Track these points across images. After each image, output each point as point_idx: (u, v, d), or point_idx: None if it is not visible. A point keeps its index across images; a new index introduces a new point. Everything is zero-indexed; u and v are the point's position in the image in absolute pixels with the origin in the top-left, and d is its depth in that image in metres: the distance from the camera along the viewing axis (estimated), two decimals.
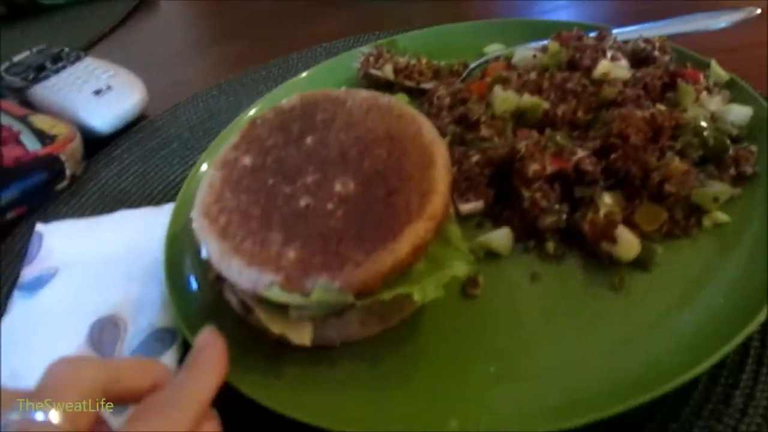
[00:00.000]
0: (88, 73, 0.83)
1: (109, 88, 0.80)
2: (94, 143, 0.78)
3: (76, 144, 0.73)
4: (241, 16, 1.08)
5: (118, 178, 0.73)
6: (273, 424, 0.43)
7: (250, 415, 0.44)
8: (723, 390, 0.42)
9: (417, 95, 0.69)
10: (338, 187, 0.47)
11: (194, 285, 0.54)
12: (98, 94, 0.79)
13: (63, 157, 0.71)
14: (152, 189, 0.71)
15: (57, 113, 0.77)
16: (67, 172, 0.71)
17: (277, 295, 0.43)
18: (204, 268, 0.51)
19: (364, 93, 0.54)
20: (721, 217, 0.49)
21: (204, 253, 0.48)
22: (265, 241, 0.45)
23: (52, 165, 0.70)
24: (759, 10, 0.62)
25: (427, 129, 0.50)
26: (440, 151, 0.48)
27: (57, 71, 0.83)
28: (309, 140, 0.51)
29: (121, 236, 0.61)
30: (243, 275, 0.45)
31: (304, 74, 0.75)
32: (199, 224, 0.48)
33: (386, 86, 0.70)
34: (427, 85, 0.69)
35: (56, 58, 0.86)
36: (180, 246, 0.56)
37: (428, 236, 0.44)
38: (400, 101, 0.54)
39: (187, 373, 0.38)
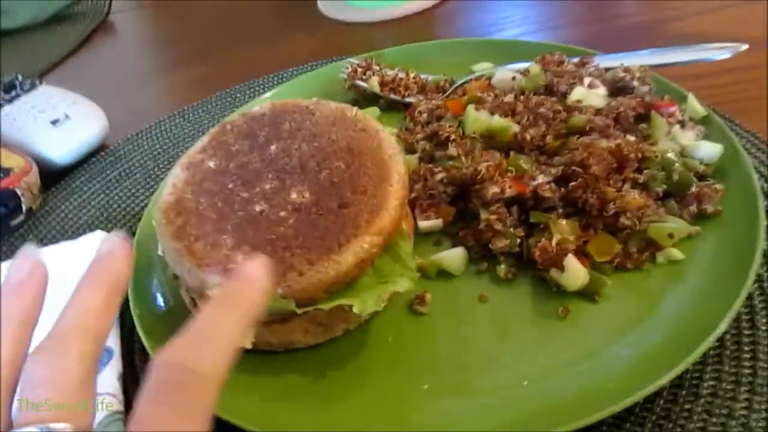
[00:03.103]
0: (44, 101, 0.78)
1: (67, 117, 0.76)
2: (53, 175, 0.75)
3: (33, 177, 0.70)
4: (204, 40, 1.06)
5: (79, 211, 0.70)
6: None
7: None
8: (656, 419, 0.42)
9: (403, 109, 0.70)
10: (294, 195, 0.48)
11: (157, 296, 0.55)
12: (55, 123, 0.76)
13: (19, 191, 0.67)
14: (116, 221, 0.68)
15: (12, 145, 0.73)
16: (24, 207, 0.68)
17: None
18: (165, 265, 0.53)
19: (333, 105, 0.55)
20: (676, 253, 0.49)
21: (160, 252, 0.49)
22: (216, 243, 0.46)
23: (7, 199, 0.67)
24: (745, 46, 0.62)
25: (388, 144, 0.50)
26: (397, 167, 0.49)
27: (11, 100, 0.78)
28: (273, 148, 0.52)
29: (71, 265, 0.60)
30: (192, 275, 0.46)
31: (290, 83, 0.76)
32: (157, 223, 0.49)
33: (373, 98, 0.71)
34: (412, 99, 0.69)
35: (10, 87, 0.80)
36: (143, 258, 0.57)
37: (374, 250, 0.45)
38: (367, 115, 0.54)
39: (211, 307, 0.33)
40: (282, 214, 0.47)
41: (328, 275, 0.44)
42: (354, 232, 0.45)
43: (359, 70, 0.72)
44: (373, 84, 0.70)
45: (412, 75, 0.72)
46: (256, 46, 0.98)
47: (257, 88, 0.84)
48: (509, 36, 0.85)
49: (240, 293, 0.35)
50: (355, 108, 0.54)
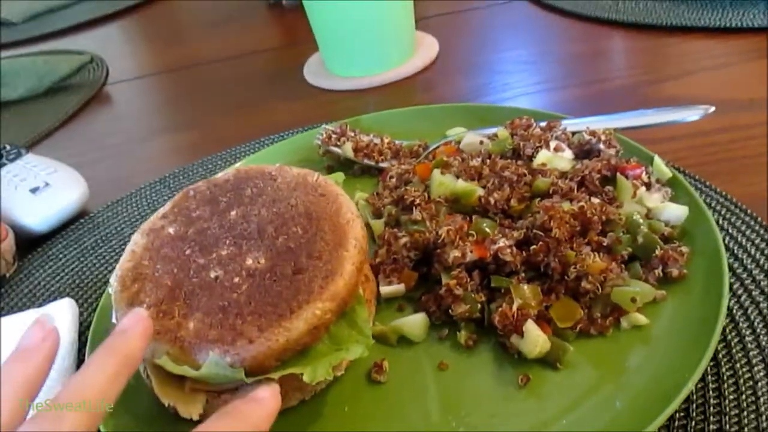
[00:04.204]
0: (26, 170, 0.80)
1: (46, 185, 0.78)
2: (31, 242, 0.76)
3: (8, 244, 0.71)
4: (192, 108, 1.09)
5: (52, 279, 0.70)
6: None
7: None
8: None
9: (377, 174, 0.70)
10: (249, 261, 0.48)
11: None
12: (35, 192, 0.77)
13: None
14: (87, 288, 0.67)
15: None
16: None
17: (168, 365, 0.44)
18: None
19: (295, 171, 0.55)
20: (640, 318, 0.47)
21: (113, 319, 0.48)
22: (168, 311, 0.46)
23: None
24: (713, 108, 0.62)
25: (347, 209, 0.50)
26: (354, 231, 0.49)
27: None
28: (233, 213, 0.52)
29: None
30: None
31: (266, 150, 0.77)
32: (113, 290, 0.49)
33: (347, 163, 0.72)
34: (386, 164, 0.69)
35: None
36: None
37: (327, 317, 0.44)
38: (332, 180, 0.55)
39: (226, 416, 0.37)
40: (236, 280, 0.47)
41: (278, 343, 0.43)
42: (306, 298, 0.44)
43: (333, 136, 0.73)
44: (347, 150, 0.71)
45: (386, 140, 0.72)
46: (242, 114, 1.00)
47: (239, 155, 0.84)
48: (488, 102, 0.86)
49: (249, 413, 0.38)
50: (317, 173, 0.54)
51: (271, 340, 0.43)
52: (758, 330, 0.47)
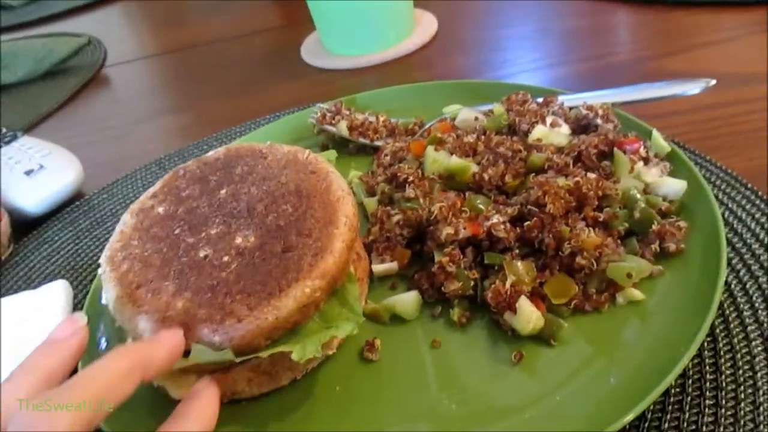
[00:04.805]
0: (21, 153, 0.80)
1: (41, 167, 0.77)
2: (27, 224, 0.75)
3: (3, 226, 0.71)
4: (190, 90, 1.08)
5: (47, 261, 0.69)
6: None
7: None
8: None
9: (372, 152, 0.69)
10: (239, 240, 0.47)
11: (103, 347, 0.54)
12: (29, 174, 0.76)
13: None
14: (82, 270, 0.67)
15: None
16: None
17: None
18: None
19: (285, 148, 0.54)
20: (636, 294, 0.47)
21: (103, 300, 0.48)
22: (157, 290, 0.45)
23: None
24: (714, 82, 0.61)
25: (337, 186, 0.50)
26: (345, 209, 0.48)
27: None
28: (223, 192, 0.51)
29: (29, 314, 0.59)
30: (133, 323, 0.45)
31: (260, 130, 0.76)
32: (102, 270, 0.48)
33: (342, 142, 0.71)
34: (381, 143, 0.69)
35: None
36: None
37: (317, 295, 0.44)
38: (324, 158, 0.54)
39: (173, 419, 0.37)
40: (225, 259, 0.46)
41: (267, 321, 0.42)
42: (296, 276, 0.44)
43: (328, 115, 0.72)
44: (342, 128, 0.70)
45: (381, 119, 0.71)
46: (240, 94, 0.99)
47: (235, 136, 0.84)
48: (487, 79, 0.85)
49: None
50: (308, 151, 0.53)
51: (260, 318, 0.42)
52: (757, 305, 0.46)
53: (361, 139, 0.70)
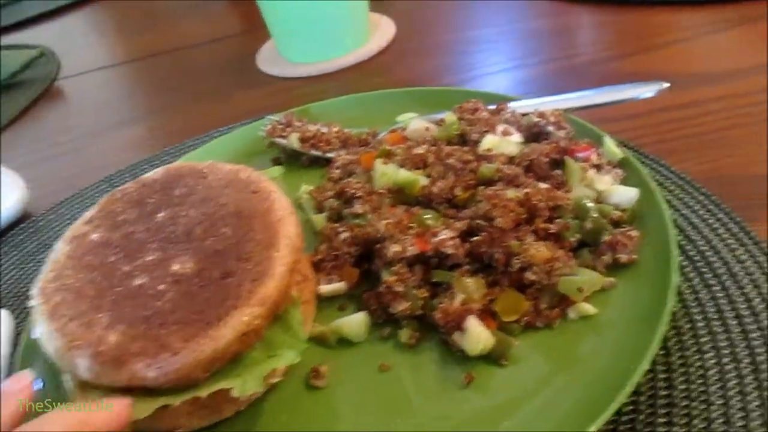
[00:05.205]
0: None
1: None
2: None
3: None
4: (144, 102, 1.06)
5: None
6: None
7: None
8: None
9: (326, 164, 0.67)
10: (176, 266, 0.45)
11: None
12: None
13: None
14: (24, 298, 0.61)
15: None
16: None
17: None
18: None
19: (227, 167, 0.52)
20: (588, 309, 0.45)
21: (35, 334, 0.46)
22: (90, 323, 0.43)
23: None
24: (667, 85, 0.60)
25: (279, 206, 0.48)
26: (286, 230, 0.46)
27: None
28: (160, 216, 0.49)
29: None
30: (64, 358, 0.43)
31: (212, 143, 0.74)
32: (33, 303, 0.46)
33: (294, 155, 0.69)
34: (333, 155, 0.67)
35: None
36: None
37: (256, 322, 0.42)
38: (268, 175, 0.52)
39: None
40: (161, 287, 0.44)
41: (204, 353, 0.40)
42: (234, 303, 0.42)
43: (279, 127, 0.70)
44: (293, 141, 0.68)
45: (334, 129, 0.70)
46: (196, 105, 0.97)
47: (187, 149, 0.81)
48: (442, 85, 0.84)
49: None
50: (250, 169, 0.52)
51: (196, 351, 0.40)
52: (709, 315, 0.45)
53: (314, 151, 0.68)
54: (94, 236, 0.49)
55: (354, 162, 0.61)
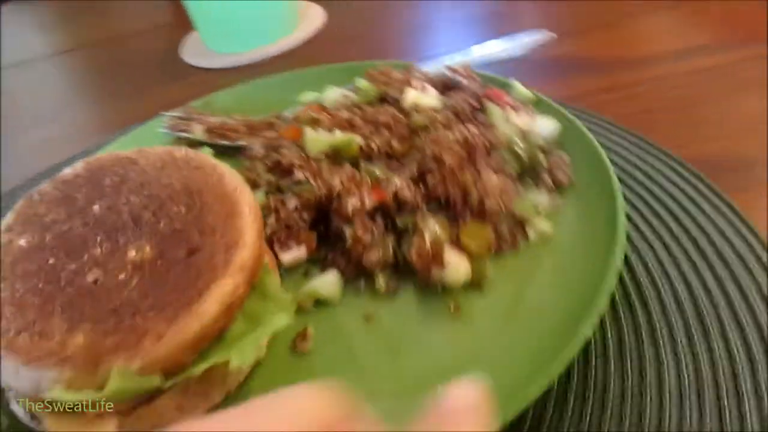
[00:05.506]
0: None
1: None
2: None
3: None
4: (58, 99, 0.97)
5: None
6: None
7: None
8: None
9: (236, 153, 0.65)
10: (132, 254, 0.41)
11: None
12: None
13: None
14: None
15: None
16: None
17: (63, 395, 0.36)
18: None
19: (158, 149, 0.49)
20: (545, 225, 0.48)
21: None
22: (45, 331, 0.38)
23: None
24: (554, 35, 0.65)
25: (231, 177, 0.46)
26: (246, 198, 0.44)
27: None
28: (96, 208, 0.44)
29: None
30: (21, 377, 0.37)
31: (118, 141, 0.68)
32: None
33: (200, 148, 0.66)
34: (244, 142, 0.64)
35: None
36: None
37: (239, 291, 0.40)
38: (200, 153, 0.49)
39: None
40: (122, 277, 0.40)
41: (192, 330, 0.37)
42: (212, 276, 0.39)
43: (179, 121, 0.66)
44: (198, 132, 0.65)
45: (238, 117, 0.67)
46: (115, 101, 0.90)
47: (101, 148, 0.74)
48: None
49: None
50: (184, 147, 0.49)
51: (183, 330, 0.37)
52: (641, 226, 0.50)
53: (222, 141, 0.65)
54: (21, 242, 0.43)
55: (276, 139, 0.59)
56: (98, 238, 0.42)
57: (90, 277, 0.40)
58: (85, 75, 1.03)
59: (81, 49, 1.12)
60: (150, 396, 0.39)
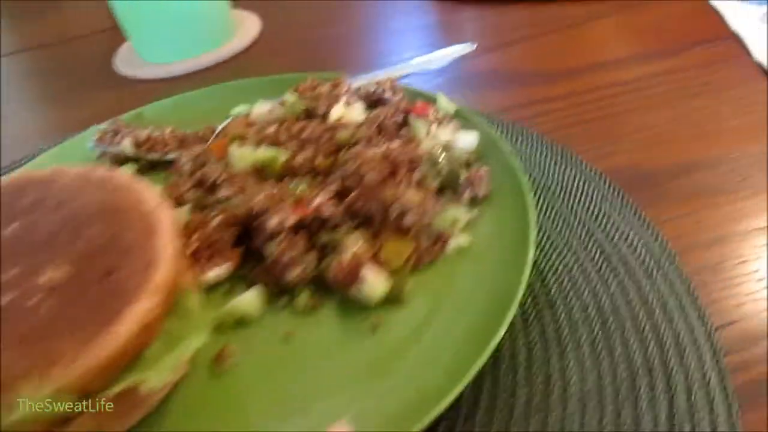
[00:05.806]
0: None
1: None
2: None
3: None
4: None
5: None
6: None
7: None
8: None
9: (165, 167, 0.65)
10: (47, 276, 0.41)
11: None
12: None
13: None
14: None
15: None
16: None
17: None
18: None
19: (75, 169, 0.48)
20: (463, 239, 0.50)
21: None
22: None
23: None
24: (475, 45, 0.67)
25: (150, 195, 0.46)
26: (165, 216, 0.44)
27: None
28: (10, 230, 0.44)
29: None
30: None
31: (39, 158, 0.67)
32: None
33: (127, 162, 0.65)
34: (174, 155, 0.64)
35: None
36: None
37: (157, 311, 0.40)
38: (120, 173, 0.49)
39: None
40: (35, 300, 0.40)
41: (108, 352, 0.37)
42: (129, 296, 0.39)
43: (108, 135, 0.66)
44: (126, 146, 0.64)
45: (168, 130, 0.67)
46: (45, 111, 0.88)
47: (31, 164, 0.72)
48: None
49: None
50: (102, 167, 0.49)
51: (98, 352, 0.37)
52: (552, 236, 0.53)
53: (152, 155, 0.65)
54: None
55: (203, 154, 0.59)
56: (11, 261, 0.42)
57: (2, 300, 0.40)
58: (24, 80, 1.01)
59: (23, 52, 1.09)
60: (66, 418, 0.39)
